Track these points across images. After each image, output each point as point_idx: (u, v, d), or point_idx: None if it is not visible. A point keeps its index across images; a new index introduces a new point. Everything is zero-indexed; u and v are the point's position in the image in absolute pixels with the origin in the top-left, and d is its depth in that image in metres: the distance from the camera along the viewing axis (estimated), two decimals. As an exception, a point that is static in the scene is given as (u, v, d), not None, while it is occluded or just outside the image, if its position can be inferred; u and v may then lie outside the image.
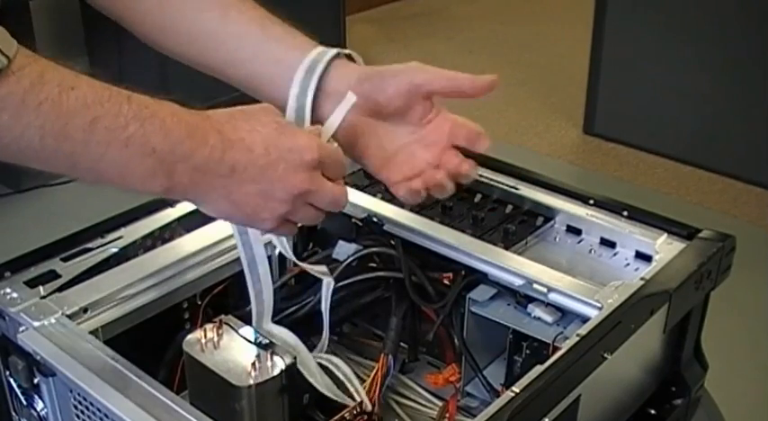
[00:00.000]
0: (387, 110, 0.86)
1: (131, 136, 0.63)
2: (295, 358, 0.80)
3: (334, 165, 0.76)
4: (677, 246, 0.96)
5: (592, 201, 1.04)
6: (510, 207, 1.07)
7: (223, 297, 0.96)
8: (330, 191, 0.76)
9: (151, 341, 0.88)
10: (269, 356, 0.79)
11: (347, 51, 0.86)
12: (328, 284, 0.92)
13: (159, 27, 0.88)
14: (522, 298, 0.92)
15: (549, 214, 1.05)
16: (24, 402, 0.85)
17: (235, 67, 0.86)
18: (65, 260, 0.91)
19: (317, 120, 0.85)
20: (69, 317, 0.83)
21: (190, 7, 0.86)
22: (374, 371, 0.92)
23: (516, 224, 1.03)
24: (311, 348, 1.02)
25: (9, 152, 0.61)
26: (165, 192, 0.68)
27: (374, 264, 1.00)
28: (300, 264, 0.93)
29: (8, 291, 0.86)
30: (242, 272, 0.97)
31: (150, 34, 0.88)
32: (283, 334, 0.87)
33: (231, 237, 0.96)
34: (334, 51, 0.85)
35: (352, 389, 0.87)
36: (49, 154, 0.62)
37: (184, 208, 1.01)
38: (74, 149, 0.62)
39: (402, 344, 0.99)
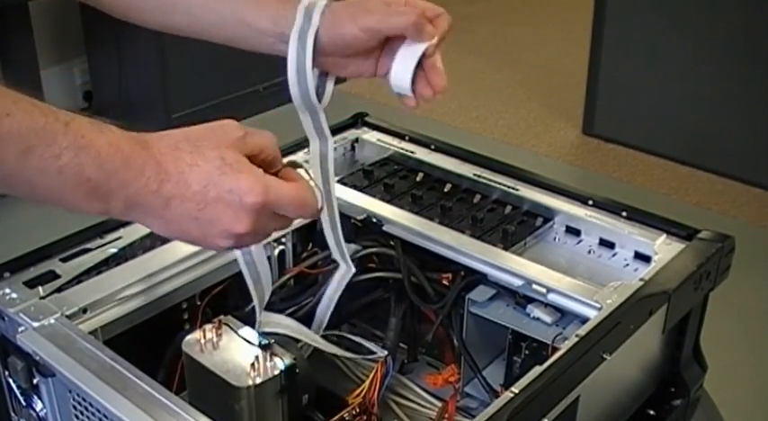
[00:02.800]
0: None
1: (65, 165, 0.62)
2: (295, 359, 0.80)
3: (289, 207, 0.69)
4: (676, 246, 0.96)
5: (591, 202, 1.04)
6: (509, 207, 1.07)
7: (222, 297, 0.96)
8: (282, 221, 0.71)
9: (150, 341, 0.88)
10: (268, 357, 0.79)
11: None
12: (347, 272, 0.92)
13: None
14: (521, 298, 0.92)
15: (548, 215, 1.05)
16: (23, 403, 0.85)
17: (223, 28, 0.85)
18: (64, 260, 0.91)
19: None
20: (68, 317, 0.83)
21: None
22: (373, 371, 0.92)
23: (515, 224, 1.03)
24: (313, 351, 1.03)
25: None
26: (103, 214, 0.66)
27: (373, 265, 1.01)
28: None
29: (7, 291, 0.86)
30: (241, 272, 0.97)
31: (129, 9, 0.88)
32: (283, 320, 0.87)
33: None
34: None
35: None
36: None
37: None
38: (10, 173, 0.61)
39: (401, 344, 1.00)
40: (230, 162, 0.67)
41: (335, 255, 0.93)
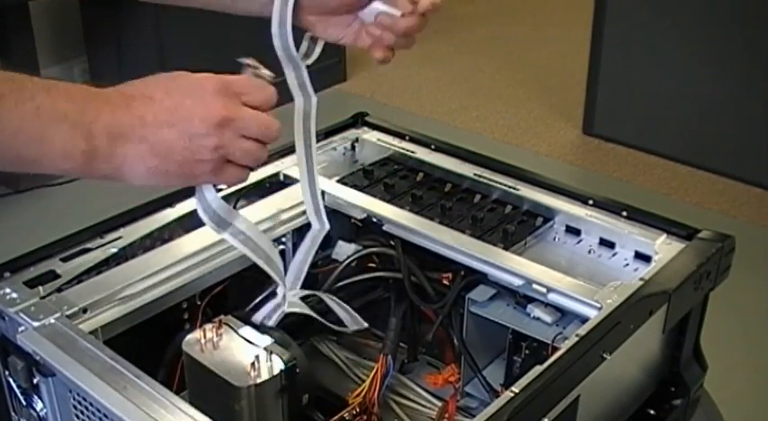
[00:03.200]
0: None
1: (40, 105, 0.64)
2: (295, 359, 0.80)
3: (252, 91, 0.72)
4: (676, 246, 0.96)
5: (591, 202, 1.04)
6: (509, 207, 1.07)
7: (222, 297, 0.96)
8: (254, 116, 0.72)
9: (151, 341, 0.88)
10: (268, 357, 0.79)
11: None
12: (320, 231, 0.91)
13: None
14: (521, 298, 0.92)
15: (548, 214, 1.05)
16: (24, 402, 0.85)
17: None
18: (64, 260, 0.91)
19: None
20: (69, 317, 0.83)
21: None
22: (373, 371, 0.92)
23: (516, 224, 1.03)
24: (311, 349, 1.03)
25: None
26: (87, 158, 0.67)
27: (373, 265, 1.01)
28: None
29: (7, 291, 0.86)
30: (241, 272, 0.97)
31: None
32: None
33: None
34: None
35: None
36: None
37: (183, 208, 1.01)
38: None
39: (401, 344, 1.00)
40: (177, 72, 0.71)
41: (309, 213, 0.91)
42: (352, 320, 0.94)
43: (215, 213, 0.77)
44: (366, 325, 0.93)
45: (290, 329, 0.88)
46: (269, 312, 0.87)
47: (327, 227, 0.92)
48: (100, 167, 0.68)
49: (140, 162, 0.69)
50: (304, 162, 0.87)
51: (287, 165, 1.12)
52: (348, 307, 0.95)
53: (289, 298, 0.88)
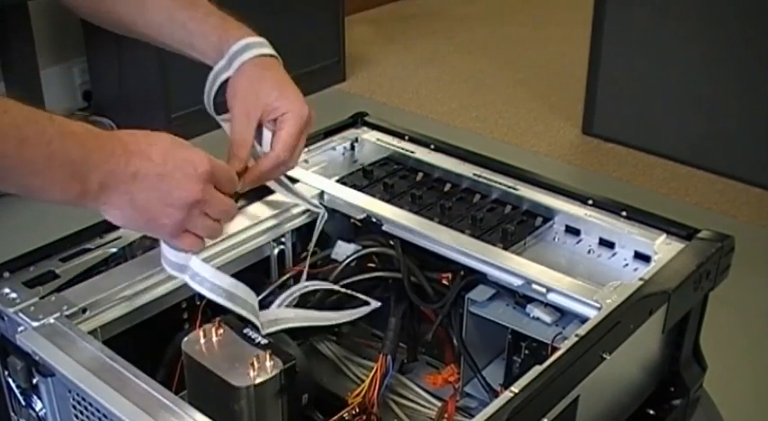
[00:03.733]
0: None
1: (54, 151, 0.73)
2: (294, 359, 0.80)
3: (225, 179, 0.84)
4: (676, 246, 0.96)
5: (591, 202, 1.04)
6: (509, 207, 1.07)
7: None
8: (221, 201, 0.83)
9: (150, 341, 0.88)
10: (268, 357, 0.79)
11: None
12: (322, 216, 1.02)
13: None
14: (521, 298, 0.92)
15: (547, 214, 1.05)
16: (23, 402, 0.85)
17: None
18: (64, 260, 0.91)
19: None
20: (68, 317, 0.83)
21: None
22: (373, 371, 0.92)
23: (515, 224, 1.03)
24: (310, 349, 1.03)
25: None
26: (78, 197, 0.76)
27: (373, 265, 1.01)
28: None
29: (7, 291, 0.86)
30: (241, 272, 0.97)
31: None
32: (280, 314, 0.90)
33: (229, 237, 0.97)
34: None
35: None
36: None
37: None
38: (10, 164, 0.71)
39: (401, 344, 1.00)
40: (179, 140, 0.82)
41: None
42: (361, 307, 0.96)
43: (172, 262, 0.85)
44: (378, 303, 0.97)
45: (290, 329, 0.88)
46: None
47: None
48: (87, 204, 0.78)
49: (118, 209, 0.79)
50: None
51: (286, 165, 1.11)
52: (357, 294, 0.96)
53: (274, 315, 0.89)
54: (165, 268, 0.86)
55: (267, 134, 0.95)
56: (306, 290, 0.94)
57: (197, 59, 0.98)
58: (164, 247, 0.85)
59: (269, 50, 0.96)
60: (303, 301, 0.94)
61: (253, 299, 0.86)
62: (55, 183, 0.75)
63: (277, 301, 0.92)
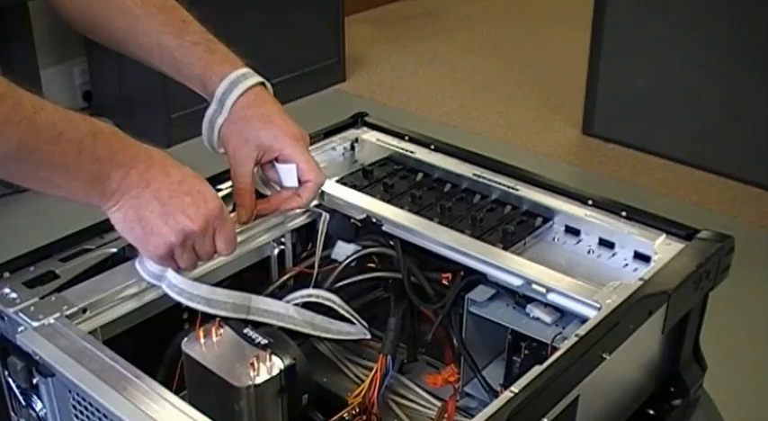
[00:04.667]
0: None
1: (85, 147, 0.76)
2: (294, 359, 0.80)
3: (225, 229, 0.86)
4: (676, 246, 0.96)
5: (590, 202, 1.04)
6: (509, 207, 1.07)
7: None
8: (211, 244, 0.86)
9: (150, 341, 0.88)
10: (268, 357, 0.79)
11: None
12: (324, 219, 1.01)
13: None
14: (520, 298, 0.92)
15: (547, 215, 1.05)
16: (23, 402, 0.85)
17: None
18: (64, 260, 0.91)
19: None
20: (68, 317, 0.83)
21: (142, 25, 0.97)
22: (373, 371, 0.92)
23: (515, 224, 1.03)
24: (310, 349, 1.03)
25: None
26: (98, 195, 0.80)
27: (373, 265, 1.01)
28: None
29: (7, 291, 0.86)
30: (240, 272, 0.97)
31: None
32: (271, 306, 0.91)
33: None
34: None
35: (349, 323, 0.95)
36: (20, 162, 0.74)
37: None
38: (40, 158, 0.74)
39: (401, 344, 1.00)
40: (203, 178, 0.86)
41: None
42: (355, 329, 0.97)
43: (149, 270, 0.87)
44: (369, 336, 0.97)
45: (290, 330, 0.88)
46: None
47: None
48: (101, 203, 0.81)
49: (123, 212, 0.81)
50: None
51: (286, 166, 1.12)
52: (353, 312, 0.96)
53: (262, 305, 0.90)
54: (142, 275, 0.88)
55: (284, 170, 0.96)
56: (308, 300, 0.95)
57: (184, 84, 0.99)
58: (143, 256, 0.87)
59: (254, 80, 0.96)
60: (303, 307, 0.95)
61: (236, 297, 0.88)
62: (80, 179, 0.77)
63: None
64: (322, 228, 1.01)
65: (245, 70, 0.96)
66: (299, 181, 0.96)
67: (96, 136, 0.77)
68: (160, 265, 0.86)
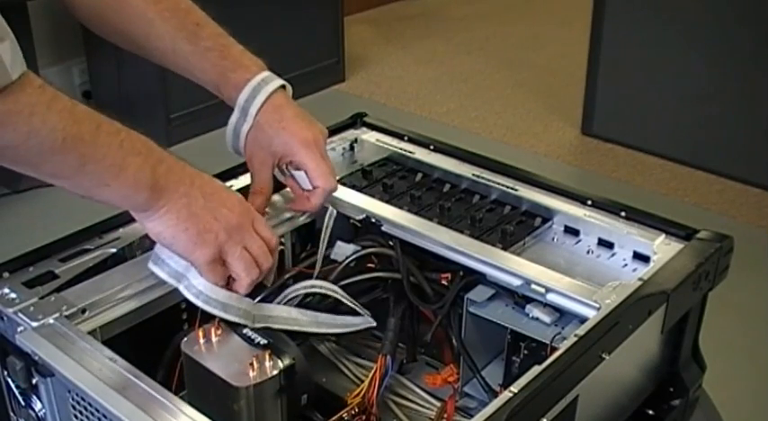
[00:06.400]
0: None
1: (124, 139, 0.76)
2: (294, 359, 0.80)
3: (261, 220, 0.88)
4: (675, 246, 0.96)
5: (590, 202, 1.04)
6: (508, 207, 1.07)
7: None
8: (259, 239, 0.86)
9: (150, 341, 0.88)
10: (267, 357, 0.79)
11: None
12: (331, 214, 1.00)
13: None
14: (520, 298, 0.92)
15: (547, 215, 1.05)
16: (22, 402, 0.85)
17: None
18: (63, 261, 0.91)
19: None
20: (68, 317, 0.83)
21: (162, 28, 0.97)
22: (372, 371, 0.92)
23: (514, 225, 1.03)
24: (309, 349, 1.03)
25: (31, 153, 0.71)
26: (150, 189, 0.78)
27: (372, 265, 1.01)
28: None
29: (6, 291, 0.86)
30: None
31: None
32: (274, 311, 0.90)
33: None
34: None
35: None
36: (66, 153, 0.72)
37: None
38: (85, 150, 0.73)
39: (400, 344, 1.00)
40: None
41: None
42: (361, 320, 0.96)
43: (170, 267, 0.85)
44: (374, 323, 0.96)
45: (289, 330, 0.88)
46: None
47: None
48: (150, 203, 0.79)
49: (177, 209, 0.80)
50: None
51: (286, 166, 1.12)
52: (355, 302, 0.96)
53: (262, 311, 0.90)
54: (156, 272, 0.86)
55: (297, 175, 0.98)
56: (311, 290, 0.94)
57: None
58: (161, 250, 0.85)
59: (274, 85, 0.97)
60: (304, 300, 0.94)
61: (247, 304, 0.87)
62: (127, 173, 0.76)
63: (279, 297, 0.93)
64: (328, 222, 1.00)
65: (265, 75, 0.97)
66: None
67: (129, 131, 0.77)
68: (213, 280, 0.84)
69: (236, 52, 0.97)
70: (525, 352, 0.90)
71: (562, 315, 0.90)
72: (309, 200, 0.98)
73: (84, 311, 0.84)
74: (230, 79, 0.96)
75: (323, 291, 0.94)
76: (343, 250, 1.01)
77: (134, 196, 0.78)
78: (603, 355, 0.81)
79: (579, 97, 3.03)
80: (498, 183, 1.09)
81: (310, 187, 0.98)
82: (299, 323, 0.90)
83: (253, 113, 0.95)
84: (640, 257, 0.98)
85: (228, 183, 1.06)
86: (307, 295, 0.94)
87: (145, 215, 0.80)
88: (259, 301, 0.90)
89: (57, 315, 0.82)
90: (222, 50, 0.97)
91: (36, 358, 0.79)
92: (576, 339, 0.80)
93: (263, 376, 0.78)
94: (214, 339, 0.82)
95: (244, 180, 1.08)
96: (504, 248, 0.97)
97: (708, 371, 1.04)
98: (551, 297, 0.89)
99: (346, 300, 0.94)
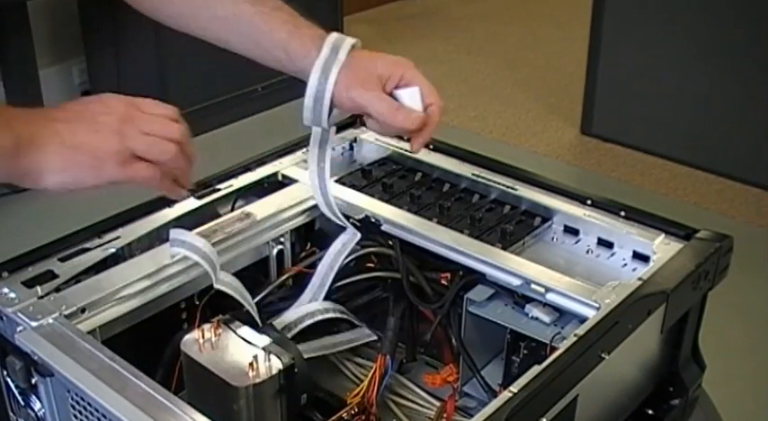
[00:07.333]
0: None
1: None
2: (293, 359, 0.80)
3: (145, 102, 0.81)
4: (675, 246, 0.96)
5: (589, 202, 1.04)
6: (508, 207, 1.07)
7: (221, 297, 0.96)
8: (153, 117, 0.80)
9: (149, 341, 0.88)
10: (267, 357, 0.79)
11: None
12: (354, 235, 0.98)
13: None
14: (519, 298, 0.92)
15: (546, 214, 1.05)
16: (22, 402, 0.84)
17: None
18: (62, 260, 0.91)
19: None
20: (67, 317, 0.83)
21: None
22: (372, 371, 0.92)
23: (514, 224, 1.03)
24: (311, 349, 1.03)
25: None
26: (12, 151, 0.73)
27: (372, 265, 1.01)
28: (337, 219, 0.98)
29: (6, 290, 0.85)
30: (239, 272, 0.97)
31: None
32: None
33: (228, 237, 0.97)
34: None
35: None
36: None
37: (182, 208, 1.01)
38: None
39: (400, 344, 1.00)
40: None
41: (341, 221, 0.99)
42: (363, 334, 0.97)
43: (191, 244, 0.87)
44: (374, 337, 0.97)
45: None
46: None
47: (359, 235, 0.99)
48: (23, 162, 0.74)
49: (55, 156, 0.75)
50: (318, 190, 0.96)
51: (285, 166, 1.12)
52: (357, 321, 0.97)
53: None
54: (179, 252, 0.88)
55: (407, 94, 0.91)
56: (327, 316, 0.96)
57: (259, 60, 0.93)
58: (175, 231, 0.88)
59: (353, 39, 0.91)
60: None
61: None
62: None
63: (294, 317, 0.94)
64: (347, 244, 1.00)
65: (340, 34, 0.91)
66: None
67: None
68: (139, 181, 0.79)
69: (304, 19, 0.93)
70: (525, 351, 0.90)
71: (562, 315, 0.90)
72: (427, 117, 0.91)
73: (83, 311, 0.84)
74: (305, 34, 0.90)
75: (329, 315, 0.95)
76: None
77: (7, 163, 0.74)
78: (603, 355, 0.81)
79: (579, 97, 3.03)
80: (498, 183, 1.09)
81: (419, 106, 0.91)
82: (309, 352, 0.91)
83: (347, 48, 0.88)
84: (640, 257, 0.98)
85: (228, 183, 1.07)
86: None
87: (33, 176, 0.76)
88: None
89: (56, 314, 0.82)
90: (291, 13, 0.93)
91: (35, 358, 0.78)
92: (575, 339, 0.80)
93: (262, 376, 0.78)
94: (214, 339, 0.82)
95: (244, 180, 1.08)
96: (504, 248, 0.97)
97: (708, 371, 1.04)
98: (551, 297, 0.89)
99: (350, 318, 0.95)
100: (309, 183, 0.96)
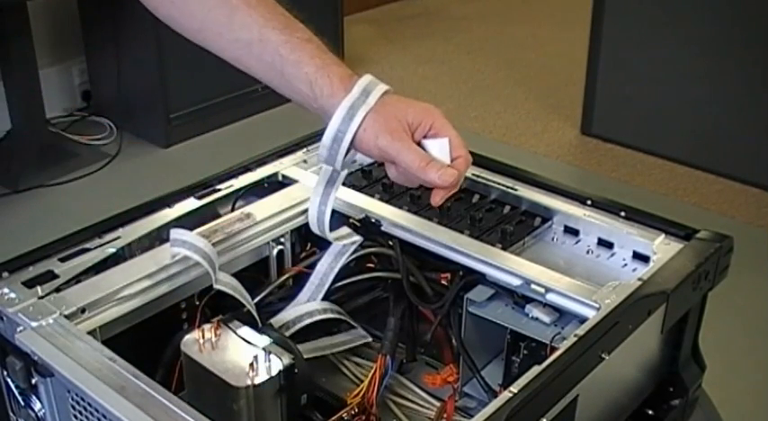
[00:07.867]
0: None
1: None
2: (293, 358, 0.80)
3: None
4: (675, 246, 0.96)
5: (589, 202, 1.04)
6: (508, 207, 1.07)
7: (221, 297, 0.96)
8: None
9: (149, 341, 0.88)
10: (267, 357, 0.79)
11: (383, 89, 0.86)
12: (356, 242, 0.98)
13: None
14: (519, 298, 0.92)
15: (546, 215, 1.05)
16: (22, 403, 0.84)
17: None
18: (63, 260, 0.91)
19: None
20: (67, 317, 0.83)
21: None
22: (372, 371, 0.92)
23: (514, 224, 1.03)
24: (309, 351, 1.03)
25: None
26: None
27: (372, 265, 1.01)
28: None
29: (6, 291, 0.85)
30: (239, 272, 0.97)
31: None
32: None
33: (228, 237, 0.96)
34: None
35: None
36: None
37: (182, 208, 1.01)
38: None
39: (400, 344, 1.00)
40: None
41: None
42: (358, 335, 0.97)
43: (192, 244, 0.88)
44: (369, 338, 0.98)
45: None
46: None
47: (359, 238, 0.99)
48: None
49: None
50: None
51: (285, 166, 1.12)
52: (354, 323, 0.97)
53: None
54: (180, 252, 0.89)
55: (436, 145, 0.88)
56: (325, 317, 0.96)
57: (279, 90, 0.88)
58: (176, 232, 0.89)
59: (385, 86, 0.87)
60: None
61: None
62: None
63: (293, 316, 0.94)
64: (349, 251, 1.00)
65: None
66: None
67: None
68: None
69: (333, 55, 0.88)
70: (525, 352, 0.90)
71: (562, 315, 0.90)
72: (457, 170, 0.87)
73: (83, 311, 0.84)
74: (334, 71, 0.85)
75: (327, 315, 0.95)
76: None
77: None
78: (603, 355, 0.81)
79: (579, 97, 3.03)
80: (498, 183, 1.09)
81: (448, 158, 0.87)
82: (308, 353, 0.91)
83: (378, 94, 0.84)
84: (640, 257, 0.98)
85: (228, 183, 1.06)
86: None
87: None
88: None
89: (56, 315, 0.82)
90: (320, 45, 0.88)
91: (35, 358, 0.78)
92: (575, 339, 0.80)
93: (262, 376, 0.78)
94: (213, 339, 0.82)
95: (244, 180, 1.08)
96: (504, 248, 0.97)
97: (708, 371, 1.04)
98: (551, 297, 0.89)
99: (346, 318, 0.95)
100: (309, 218, 0.94)
